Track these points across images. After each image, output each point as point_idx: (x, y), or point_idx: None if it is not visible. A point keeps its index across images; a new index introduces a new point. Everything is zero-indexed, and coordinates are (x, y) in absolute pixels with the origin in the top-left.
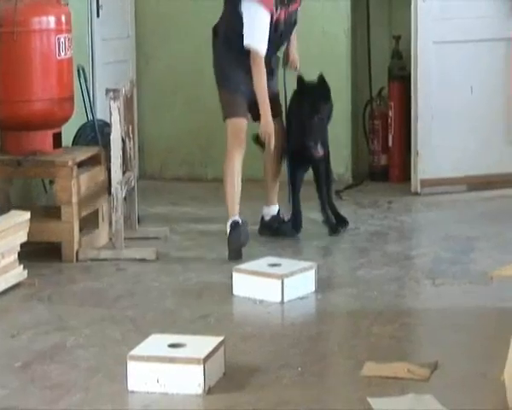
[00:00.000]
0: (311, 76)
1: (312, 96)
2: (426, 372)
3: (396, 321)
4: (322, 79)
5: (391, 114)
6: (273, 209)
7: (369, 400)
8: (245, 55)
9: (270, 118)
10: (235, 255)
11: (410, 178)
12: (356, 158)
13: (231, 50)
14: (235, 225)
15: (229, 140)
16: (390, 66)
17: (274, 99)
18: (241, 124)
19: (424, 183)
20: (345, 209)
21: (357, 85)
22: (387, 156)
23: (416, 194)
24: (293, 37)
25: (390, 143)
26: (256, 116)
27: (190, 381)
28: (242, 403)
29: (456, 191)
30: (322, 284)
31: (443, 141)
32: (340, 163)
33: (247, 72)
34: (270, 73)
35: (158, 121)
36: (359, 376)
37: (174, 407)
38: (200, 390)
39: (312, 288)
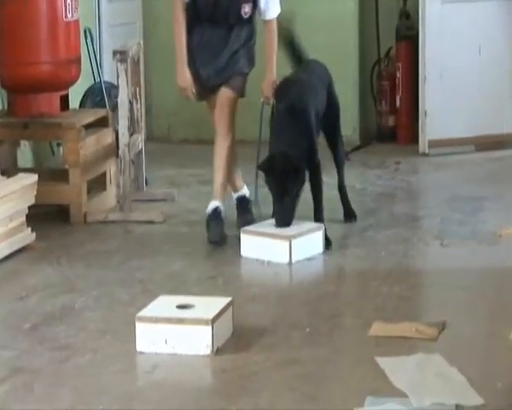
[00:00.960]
0: (319, 38)
1: (280, 177)
2: (434, 332)
3: (404, 281)
4: (286, 158)
5: (398, 74)
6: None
7: (377, 359)
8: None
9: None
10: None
11: (417, 139)
12: (363, 119)
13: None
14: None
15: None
16: (398, 26)
17: (235, 73)
18: None
19: (432, 143)
20: (352, 171)
21: (365, 46)
22: (395, 117)
23: (424, 155)
24: (270, 49)
25: (398, 104)
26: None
27: (199, 342)
28: (251, 363)
29: (465, 152)
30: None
31: (451, 101)
32: (348, 124)
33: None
34: (229, 29)
35: (165, 84)
36: (367, 336)
37: (182, 368)
38: (208, 351)
39: (320, 249)
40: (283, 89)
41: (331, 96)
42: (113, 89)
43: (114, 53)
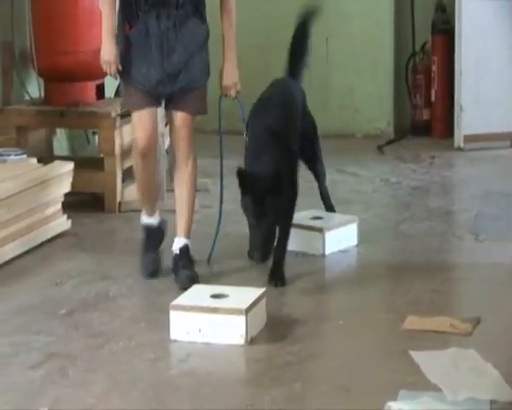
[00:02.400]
0: (354, 31)
1: (257, 197)
2: (468, 327)
3: (438, 276)
4: (268, 173)
5: (434, 68)
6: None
7: (411, 353)
8: None
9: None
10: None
11: (453, 134)
12: (398, 112)
13: None
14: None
15: None
16: (434, 19)
17: (193, 86)
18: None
19: (467, 138)
20: (386, 164)
21: (401, 39)
22: (430, 111)
23: (459, 149)
24: (228, 36)
25: (433, 98)
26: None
27: (232, 331)
28: (284, 354)
29: (500, 147)
30: (364, 238)
31: (487, 96)
32: (383, 118)
33: None
34: (181, 21)
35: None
36: (401, 329)
37: (216, 357)
38: (242, 341)
39: (354, 241)
40: (259, 111)
41: (306, 116)
42: None
43: None
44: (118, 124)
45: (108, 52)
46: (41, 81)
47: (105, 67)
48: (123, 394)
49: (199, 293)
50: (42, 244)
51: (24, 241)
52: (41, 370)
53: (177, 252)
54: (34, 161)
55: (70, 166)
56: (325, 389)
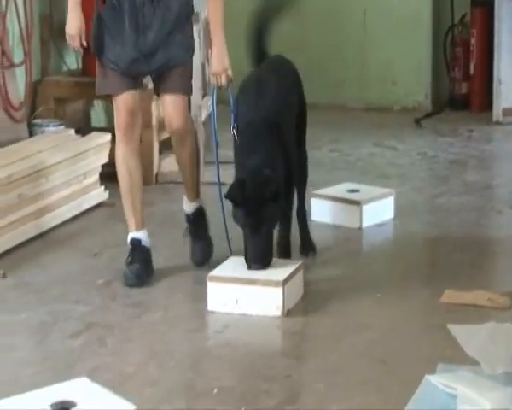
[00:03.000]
0: (392, 4)
1: (254, 206)
2: (507, 301)
3: (476, 250)
4: (261, 180)
5: (473, 41)
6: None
7: (449, 327)
8: None
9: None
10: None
11: (491, 107)
12: (436, 86)
13: None
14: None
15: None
16: None
17: (174, 65)
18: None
19: (506, 111)
20: (424, 138)
21: (439, 12)
22: (468, 84)
23: (498, 123)
24: (214, 17)
25: (471, 71)
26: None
27: (269, 303)
28: (320, 326)
29: None
30: (401, 212)
31: None
32: (420, 91)
33: None
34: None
35: (236, 47)
36: (438, 303)
37: (252, 328)
38: (278, 312)
39: (391, 215)
40: (250, 95)
41: (301, 101)
42: None
43: None
44: (155, 96)
45: (72, 25)
46: (79, 53)
47: (69, 41)
48: (160, 363)
49: (236, 264)
50: (80, 215)
51: (62, 211)
52: (80, 339)
53: (190, 216)
54: (72, 132)
55: (107, 137)
56: (362, 361)
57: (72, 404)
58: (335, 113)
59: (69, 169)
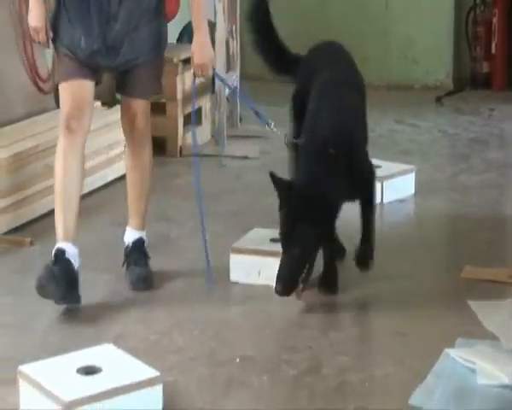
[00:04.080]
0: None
1: (293, 214)
2: None
3: (495, 227)
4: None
5: (494, 20)
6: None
7: (469, 302)
8: None
9: None
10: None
11: None
12: (457, 64)
13: None
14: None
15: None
16: None
17: (140, 62)
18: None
19: None
20: (445, 116)
21: None
22: (490, 63)
23: None
24: (196, 5)
25: (493, 51)
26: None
27: None
28: (342, 299)
29: None
30: (422, 188)
31: None
32: (442, 69)
33: None
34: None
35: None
36: (458, 278)
37: (274, 300)
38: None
39: (412, 191)
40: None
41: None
42: (210, 25)
43: None
44: (180, 69)
45: (35, 17)
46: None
47: (32, 35)
48: (183, 332)
49: (259, 237)
50: (105, 185)
51: (88, 182)
52: (105, 306)
53: (130, 245)
54: (98, 104)
55: None
56: (382, 333)
57: (98, 369)
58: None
59: (95, 141)
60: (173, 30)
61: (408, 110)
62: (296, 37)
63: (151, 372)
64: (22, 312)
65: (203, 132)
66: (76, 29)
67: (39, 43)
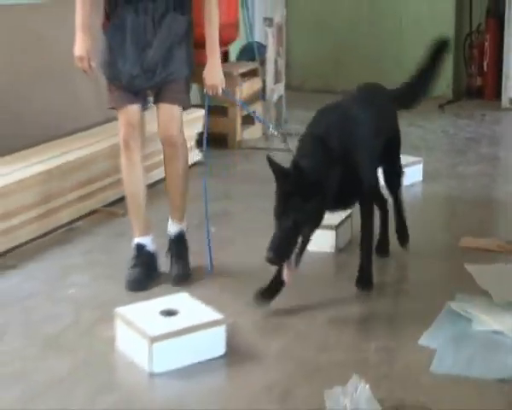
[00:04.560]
0: (423, 11)
1: (285, 190)
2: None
3: (487, 207)
4: (298, 169)
5: (486, 44)
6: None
7: (466, 266)
8: None
9: None
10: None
11: (500, 97)
12: (456, 79)
13: None
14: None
15: None
16: (488, 6)
17: (172, 79)
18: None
19: None
20: (446, 120)
21: (461, 21)
22: (482, 78)
23: (506, 109)
24: (209, 33)
25: (485, 68)
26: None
27: (325, 242)
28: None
29: None
30: (428, 176)
31: None
32: (444, 82)
33: None
34: (159, 18)
35: (301, 44)
36: (457, 247)
37: (313, 262)
38: (332, 250)
39: (420, 178)
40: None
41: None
42: (261, 47)
43: (264, 19)
44: (239, 81)
45: (80, 47)
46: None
47: (77, 63)
48: (241, 286)
49: None
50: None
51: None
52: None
53: (172, 237)
54: None
55: (201, 112)
56: (390, 291)
57: (176, 312)
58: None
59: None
60: (233, 51)
61: (417, 115)
62: (320, 56)
63: (217, 316)
64: (116, 267)
65: (255, 131)
66: (118, 60)
67: (84, 71)
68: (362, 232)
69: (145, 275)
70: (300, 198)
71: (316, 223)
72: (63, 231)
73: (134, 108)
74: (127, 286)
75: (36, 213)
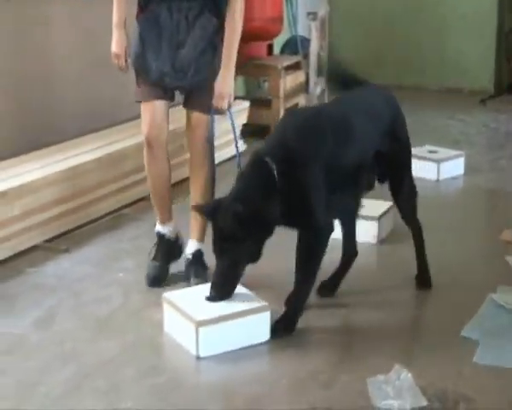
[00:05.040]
0: (466, 9)
1: (218, 232)
2: None
3: None
4: (227, 211)
5: None
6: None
7: (508, 259)
8: None
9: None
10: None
11: None
12: (498, 74)
13: None
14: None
15: None
16: None
17: (204, 83)
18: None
19: None
20: (487, 114)
21: (503, 17)
22: None
23: None
24: (228, 42)
25: None
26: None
27: (368, 232)
28: (404, 252)
29: None
30: (469, 169)
31: None
32: (485, 78)
33: None
34: (194, 17)
35: (344, 38)
36: (498, 239)
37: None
38: (374, 240)
39: (461, 171)
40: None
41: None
42: (305, 41)
43: (308, 14)
44: (282, 74)
45: (117, 44)
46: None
47: (113, 60)
48: (284, 272)
49: None
50: (225, 161)
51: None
52: None
53: (190, 257)
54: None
55: (247, 104)
56: (436, 279)
57: None
58: (418, 93)
59: (219, 126)
60: (277, 45)
61: (458, 109)
62: (362, 50)
63: (262, 302)
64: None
65: None
66: (149, 54)
67: (119, 68)
68: (299, 271)
69: (164, 269)
70: (234, 240)
71: (257, 256)
72: (112, 217)
73: (160, 104)
74: (146, 281)
75: (87, 199)
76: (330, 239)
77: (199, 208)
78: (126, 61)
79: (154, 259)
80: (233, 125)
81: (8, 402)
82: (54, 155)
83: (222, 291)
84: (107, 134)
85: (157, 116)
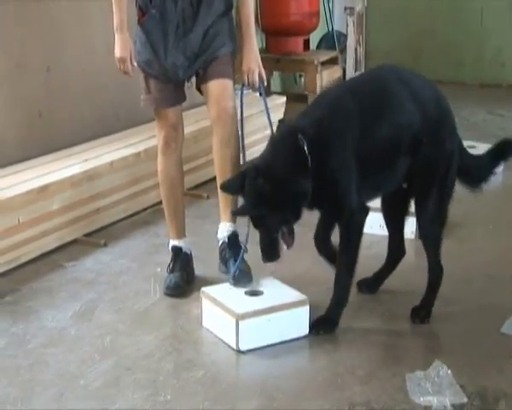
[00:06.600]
0: (503, 6)
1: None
2: None
3: None
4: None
5: None
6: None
7: None
8: None
9: None
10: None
11: None
12: None
13: None
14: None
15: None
16: None
17: (216, 56)
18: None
19: None
20: None
21: None
22: None
23: None
24: (246, 12)
25: None
26: None
27: (406, 228)
28: (446, 249)
29: None
30: (508, 164)
31: None
32: None
33: None
34: (197, 2)
35: (380, 33)
36: None
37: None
38: (412, 236)
39: (501, 166)
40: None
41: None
42: (341, 36)
43: (345, 8)
44: (319, 69)
45: (122, 48)
46: (263, 35)
47: (119, 64)
48: (322, 268)
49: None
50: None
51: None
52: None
53: (225, 240)
54: (257, 94)
55: (283, 99)
56: (471, 279)
57: (261, 292)
58: (456, 88)
59: (256, 121)
60: (314, 40)
61: (497, 104)
62: (399, 45)
63: (301, 296)
64: (200, 247)
65: None
66: (159, 52)
67: (124, 72)
68: (338, 264)
69: (184, 280)
70: (264, 211)
71: (295, 219)
72: (149, 211)
73: (176, 110)
74: (166, 291)
75: (126, 193)
76: (369, 234)
77: (226, 187)
78: (132, 64)
79: (172, 271)
80: (265, 100)
81: (48, 392)
82: (95, 150)
83: (268, 255)
84: (144, 130)
85: (174, 120)
